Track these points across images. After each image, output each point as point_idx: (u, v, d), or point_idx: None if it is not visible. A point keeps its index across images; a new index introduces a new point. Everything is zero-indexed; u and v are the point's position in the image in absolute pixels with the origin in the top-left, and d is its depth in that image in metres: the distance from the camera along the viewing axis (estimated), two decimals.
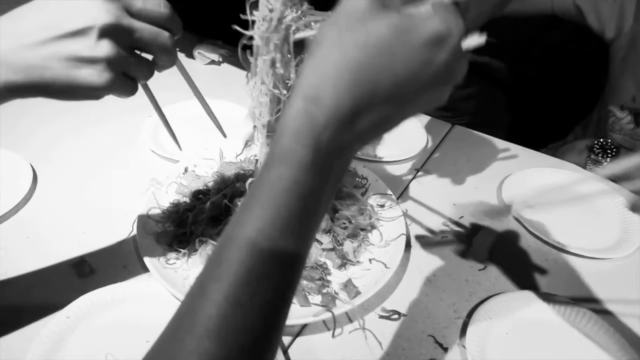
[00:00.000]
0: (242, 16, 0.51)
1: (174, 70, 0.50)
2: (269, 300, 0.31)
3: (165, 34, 0.44)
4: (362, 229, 0.71)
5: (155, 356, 0.30)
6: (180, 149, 0.56)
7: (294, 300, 0.60)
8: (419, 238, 0.76)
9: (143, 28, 0.42)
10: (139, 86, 0.46)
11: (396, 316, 0.63)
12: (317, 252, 0.66)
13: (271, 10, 0.49)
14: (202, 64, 1.17)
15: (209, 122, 0.59)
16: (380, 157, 0.91)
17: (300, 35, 0.50)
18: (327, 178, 0.33)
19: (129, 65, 0.42)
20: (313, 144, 0.31)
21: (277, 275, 0.31)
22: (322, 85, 0.31)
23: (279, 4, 0.49)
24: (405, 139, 0.97)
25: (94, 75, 0.40)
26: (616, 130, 0.99)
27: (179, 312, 0.31)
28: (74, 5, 0.40)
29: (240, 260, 0.30)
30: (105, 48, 0.40)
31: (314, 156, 0.31)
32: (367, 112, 0.32)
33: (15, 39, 0.39)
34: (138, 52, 0.44)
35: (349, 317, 0.62)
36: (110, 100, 0.45)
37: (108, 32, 0.40)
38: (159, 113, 0.54)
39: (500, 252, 0.74)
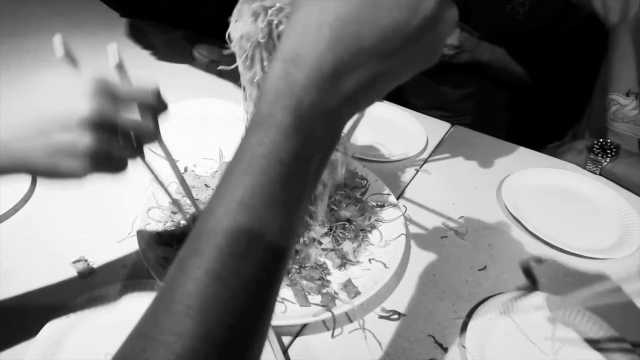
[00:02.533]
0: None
1: (173, 71, 0.50)
2: (253, 274, 0.28)
3: (149, 125, 0.45)
4: (362, 229, 0.70)
5: (134, 340, 0.28)
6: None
7: (294, 300, 0.61)
8: (418, 238, 0.75)
9: (127, 122, 0.43)
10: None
11: (396, 316, 0.62)
12: (317, 252, 0.66)
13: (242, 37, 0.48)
14: (202, 64, 1.16)
15: (208, 122, 0.59)
16: (379, 157, 0.91)
17: (283, 27, 0.48)
18: (311, 144, 0.30)
19: (113, 152, 0.43)
20: (293, 107, 0.29)
21: (261, 247, 0.28)
22: (301, 44, 0.29)
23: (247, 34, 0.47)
24: (405, 139, 0.97)
25: (76, 166, 0.42)
26: (619, 119, 0.98)
27: (158, 292, 0.29)
28: (62, 98, 0.41)
29: (221, 232, 0.28)
30: (87, 141, 0.41)
31: (295, 119, 0.29)
32: (353, 69, 0.30)
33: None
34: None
35: (348, 317, 0.61)
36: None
37: (90, 126, 0.41)
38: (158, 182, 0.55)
39: (500, 252, 0.74)
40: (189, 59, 1.16)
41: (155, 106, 0.45)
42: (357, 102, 0.31)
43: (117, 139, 0.44)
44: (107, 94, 0.42)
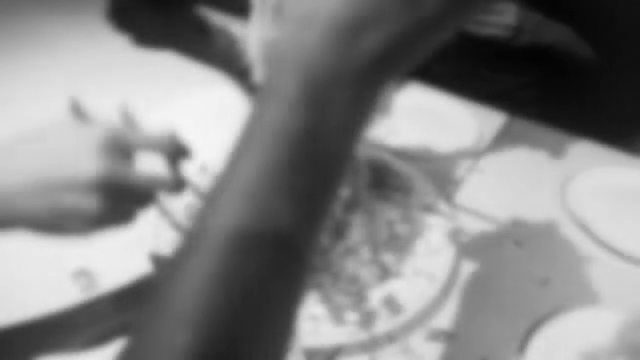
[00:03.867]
0: None
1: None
2: (261, 276, 0.24)
3: (164, 179, 0.44)
4: (405, 236, 0.68)
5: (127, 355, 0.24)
6: None
7: (326, 317, 0.58)
8: (470, 246, 0.71)
9: (138, 179, 0.43)
10: None
11: (445, 336, 0.60)
12: (354, 263, 0.63)
13: None
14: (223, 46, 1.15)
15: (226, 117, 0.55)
16: (425, 154, 0.88)
17: None
18: (331, 116, 0.26)
19: (123, 209, 0.43)
20: (304, 73, 0.25)
21: (270, 242, 0.25)
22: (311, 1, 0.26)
23: None
24: (455, 133, 0.93)
25: (80, 226, 0.42)
26: None
27: (152, 301, 0.26)
28: (68, 156, 0.41)
29: (221, 227, 0.25)
30: (95, 205, 0.41)
31: (306, 89, 0.25)
32: (377, 22, 0.25)
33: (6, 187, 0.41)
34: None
35: (390, 338, 0.59)
36: (109, 93, 0.44)
37: (100, 187, 0.41)
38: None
39: (565, 263, 0.70)
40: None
41: (174, 153, 0.45)
42: (390, 64, 0.27)
43: (129, 198, 0.43)
44: (119, 149, 0.43)
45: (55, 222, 0.42)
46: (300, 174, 0.25)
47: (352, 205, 0.64)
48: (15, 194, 0.41)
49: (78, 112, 0.44)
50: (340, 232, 0.64)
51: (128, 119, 0.45)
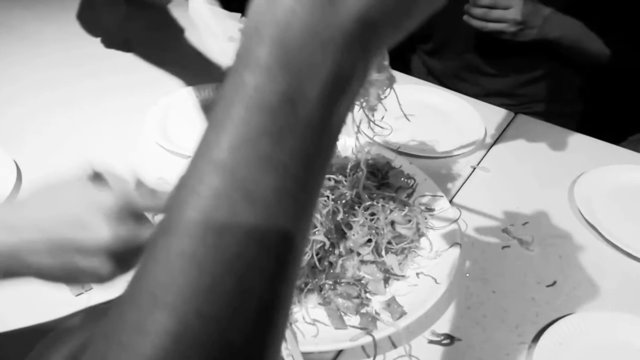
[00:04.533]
0: None
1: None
2: (238, 253, 0.23)
3: None
4: (408, 238, 0.67)
5: (94, 346, 0.24)
6: None
7: (327, 321, 0.58)
8: (475, 248, 0.71)
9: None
10: None
11: (448, 341, 0.59)
12: (355, 265, 0.62)
13: None
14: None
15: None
16: (429, 152, 0.87)
17: None
18: (305, 82, 0.24)
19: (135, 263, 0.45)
20: (278, 36, 0.24)
21: (245, 213, 0.23)
22: None
23: None
24: (459, 131, 0.92)
25: (93, 281, 0.45)
26: None
27: (127, 283, 0.25)
28: (83, 220, 0.42)
29: (194, 202, 0.23)
30: (107, 269, 0.43)
31: (281, 53, 0.23)
32: None
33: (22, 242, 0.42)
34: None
35: (392, 342, 0.58)
36: (109, 88, 0.44)
37: (114, 252, 0.43)
38: None
39: (573, 265, 0.69)
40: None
41: None
42: (373, 29, 0.25)
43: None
44: (132, 214, 0.44)
45: (67, 278, 0.44)
46: (278, 144, 0.23)
47: (353, 206, 0.64)
48: (27, 251, 0.42)
49: (95, 177, 0.45)
50: (341, 232, 0.63)
51: (140, 184, 0.47)
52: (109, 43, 1.09)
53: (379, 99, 0.51)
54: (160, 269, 0.23)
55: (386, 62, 0.50)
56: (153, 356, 0.21)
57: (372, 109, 0.52)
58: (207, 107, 0.55)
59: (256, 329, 0.23)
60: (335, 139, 0.26)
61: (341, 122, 0.26)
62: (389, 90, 0.51)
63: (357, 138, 0.61)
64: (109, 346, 0.22)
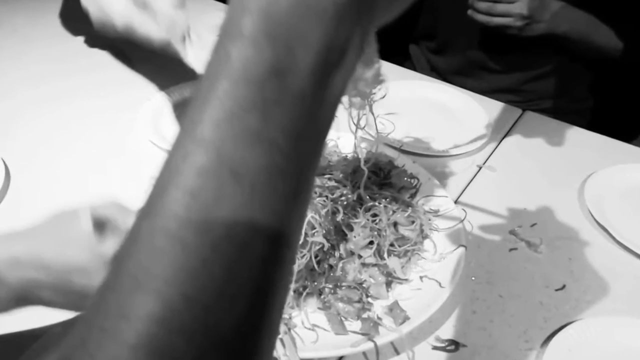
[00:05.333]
0: None
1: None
2: (226, 234, 0.22)
3: None
4: (411, 239, 0.66)
5: (74, 332, 0.22)
6: None
7: (327, 326, 0.57)
8: (481, 251, 0.70)
9: None
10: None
11: (453, 347, 0.59)
12: (356, 268, 0.62)
13: None
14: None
15: None
16: (433, 151, 0.86)
17: None
18: (293, 53, 0.23)
19: None
20: (263, 7, 0.23)
21: (232, 185, 0.22)
22: None
23: None
24: (465, 128, 0.91)
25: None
26: None
27: (108, 267, 0.24)
28: (87, 277, 0.44)
29: (179, 184, 0.22)
30: None
31: (266, 23, 0.23)
32: None
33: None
34: None
35: (395, 348, 0.58)
36: (100, 84, 0.43)
37: None
38: None
39: (582, 268, 0.68)
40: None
41: None
42: (367, 2, 0.24)
43: None
44: None
45: (77, 310, 0.45)
46: (266, 119, 0.22)
47: (355, 206, 0.63)
48: (35, 287, 0.44)
49: (98, 226, 0.46)
50: (341, 234, 0.62)
51: None
52: (93, 42, 1.08)
53: (372, 95, 0.50)
54: (143, 251, 0.22)
55: (377, 58, 0.49)
56: (137, 342, 0.20)
57: (370, 105, 0.50)
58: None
59: (248, 315, 0.22)
60: (331, 116, 0.25)
61: (336, 98, 0.25)
62: (381, 86, 0.50)
63: (357, 136, 0.59)
64: (89, 332, 0.21)
